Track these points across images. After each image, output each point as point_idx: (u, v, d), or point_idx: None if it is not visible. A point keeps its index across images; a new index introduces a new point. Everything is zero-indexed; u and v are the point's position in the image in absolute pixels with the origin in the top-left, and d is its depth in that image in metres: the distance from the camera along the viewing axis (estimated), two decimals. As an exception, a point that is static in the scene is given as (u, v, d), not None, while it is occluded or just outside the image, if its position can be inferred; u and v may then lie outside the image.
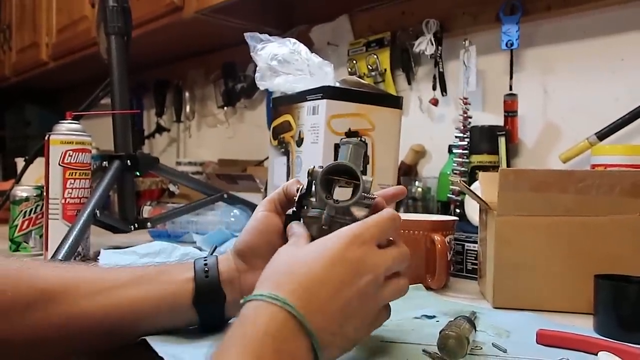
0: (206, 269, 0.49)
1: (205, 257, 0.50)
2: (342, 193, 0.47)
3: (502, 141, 1.03)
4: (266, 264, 0.43)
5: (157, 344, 0.46)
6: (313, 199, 0.48)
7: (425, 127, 1.27)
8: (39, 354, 0.46)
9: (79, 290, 0.47)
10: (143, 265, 0.53)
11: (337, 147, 0.87)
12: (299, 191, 0.48)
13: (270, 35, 0.95)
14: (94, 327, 0.46)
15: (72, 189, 0.88)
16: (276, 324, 0.36)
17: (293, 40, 0.95)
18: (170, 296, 0.48)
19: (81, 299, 0.46)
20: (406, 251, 0.45)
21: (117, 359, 0.54)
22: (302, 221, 0.48)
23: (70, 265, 0.54)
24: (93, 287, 0.47)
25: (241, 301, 0.39)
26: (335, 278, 0.40)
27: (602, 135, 0.95)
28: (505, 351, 0.48)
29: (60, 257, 0.76)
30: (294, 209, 0.49)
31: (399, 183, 1.13)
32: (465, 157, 1.06)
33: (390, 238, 0.45)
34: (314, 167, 0.48)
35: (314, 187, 0.48)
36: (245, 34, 0.94)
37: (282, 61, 0.92)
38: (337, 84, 0.92)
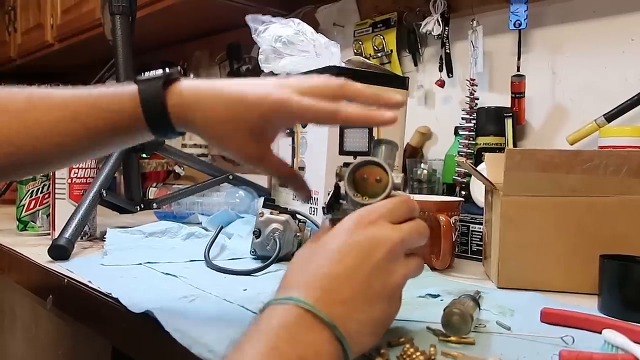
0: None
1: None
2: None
3: (508, 123, 1.02)
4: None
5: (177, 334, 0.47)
6: (344, 202, 0.46)
7: (432, 109, 1.26)
8: None
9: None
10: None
11: (342, 128, 0.87)
12: (329, 196, 0.46)
13: (274, 16, 0.94)
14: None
15: (78, 168, 0.89)
16: (291, 318, 0.36)
17: (297, 20, 0.94)
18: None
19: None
20: (423, 225, 0.43)
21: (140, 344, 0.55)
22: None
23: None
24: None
25: (259, 310, 0.38)
26: (347, 265, 0.39)
27: (610, 116, 0.93)
28: (509, 329, 0.48)
29: (66, 237, 0.77)
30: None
31: (404, 165, 1.12)
32: (471, 138, 1.05)
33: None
34: (341, 166, 0.46)
35: (342, 186, 0.46)
36: (246, 17, 0.93)
37: (287, 42, 0.92)
38: (343, 65, 0.91)
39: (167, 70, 0.47)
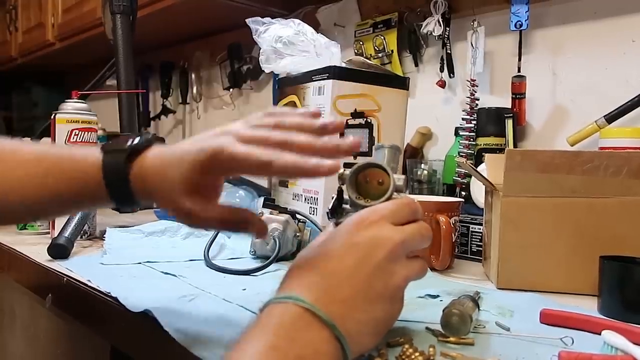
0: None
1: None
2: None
3: (509, 123, 1.02)
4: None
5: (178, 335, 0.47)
6: (347, 206, 0.46)
7: (432, 109, 1.26)
8: None
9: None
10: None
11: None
12: (332, 200, 0.47)
13: (274, 16, 0.94)
14: None
15: (78, 168, 0.89)
16: (289, 316, 0.35)
17: (297, 21, 0.94)
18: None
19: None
20: (427, 227, 0.43)
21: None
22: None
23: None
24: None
25: (258, 309, 0.38)
26: (347, 265, 0.39)
27: (611, 118, 0.93)
28: (508, 330, 0.48)
29: (66, 235, 0.77)
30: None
31: (404, 165, 1.12)
32: (471, 139, 1.05)
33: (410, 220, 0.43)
34: (343, 170, 0.46)
35: (345, 190, 0.46)
36: (247, 20, 0.93)
37: (287, 43, 0.92)
38: (344, 65, 0.91)
39: (138, 138, 0.46)
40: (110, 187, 0.45)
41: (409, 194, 1.13)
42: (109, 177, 0.45)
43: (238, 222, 0.45)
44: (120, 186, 0.45)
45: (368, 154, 0.82)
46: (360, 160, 0.46)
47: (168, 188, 0.43)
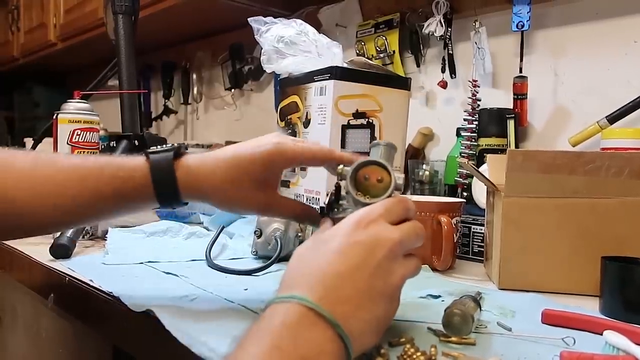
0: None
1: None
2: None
3: (510, 124, 1.02)
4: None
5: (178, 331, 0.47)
6: (344, 202, 0.46)
7: (434, 110, 1.26)
8: None
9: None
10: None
11: (344, 129, 0.87)
12: (329, 196, 0.47)
13: (276, 17, 0.94)
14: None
15: (80, 168, 0.89)
16: (293, 316, 0.35)
17: (299, 21, 0.94)
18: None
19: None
20: (420, 226, 0.44)
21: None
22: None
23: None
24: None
25: (260, 309, 0.38)
26: (349, 264, 0.39)
27: (613, 118, 0.93)
28: (510, 330, 0.48)
29: (68, 235, 0.77)
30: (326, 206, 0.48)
31: (406, 166, 1.12)
32: (473, 140, 1.05)
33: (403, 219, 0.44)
34: (342, 166, 0.46)
35: (343, 186, 0.46)
36: (249, 19, 0.93)
37: (289, 43, 0.92)
38: (345, 65, 0.91)
39: (175, 144, 0.51)
40: (158, 184, 0.49)
41: (411, 194, 1.13)
42: (156, 174, 0.49)
43: (308, 217, 0.53)
44: (168, 184, 0.49)
45: (369, 153, 0.82)
46: (361, 158, 0.46)
47: (236, 189, 0.49)
